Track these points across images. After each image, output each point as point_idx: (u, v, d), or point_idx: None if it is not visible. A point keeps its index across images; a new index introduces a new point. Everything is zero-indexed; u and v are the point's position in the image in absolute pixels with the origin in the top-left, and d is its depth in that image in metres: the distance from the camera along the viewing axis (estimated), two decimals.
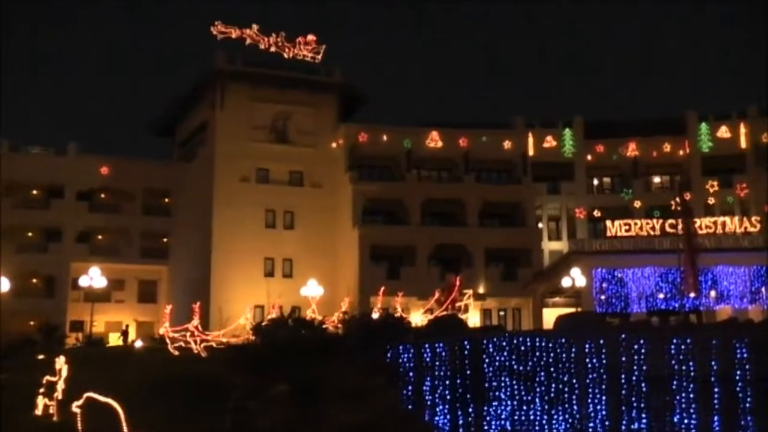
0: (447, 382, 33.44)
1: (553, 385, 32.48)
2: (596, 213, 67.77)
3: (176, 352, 39.85)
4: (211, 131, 66.51)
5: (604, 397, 31.65)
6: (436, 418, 33.22)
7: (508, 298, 63.84)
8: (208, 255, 62.90)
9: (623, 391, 31.40)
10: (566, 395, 32.24)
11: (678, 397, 30.66)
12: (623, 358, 31.60)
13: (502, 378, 33.01)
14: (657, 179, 70.43)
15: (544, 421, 32.40)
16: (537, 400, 32.66)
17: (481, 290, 60.96)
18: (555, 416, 32.27)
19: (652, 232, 58.20)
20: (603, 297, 56.92)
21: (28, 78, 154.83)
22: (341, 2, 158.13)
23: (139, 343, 47.72)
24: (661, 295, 56.50)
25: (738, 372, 30.24)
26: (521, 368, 32.96)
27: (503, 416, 32.79)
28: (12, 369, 33.86)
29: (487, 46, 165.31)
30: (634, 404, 31.18)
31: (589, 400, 31.81)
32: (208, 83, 66.62)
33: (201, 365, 36.56)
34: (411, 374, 34.00)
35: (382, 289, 51.23)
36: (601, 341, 32.12)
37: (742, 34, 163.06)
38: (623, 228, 58.86)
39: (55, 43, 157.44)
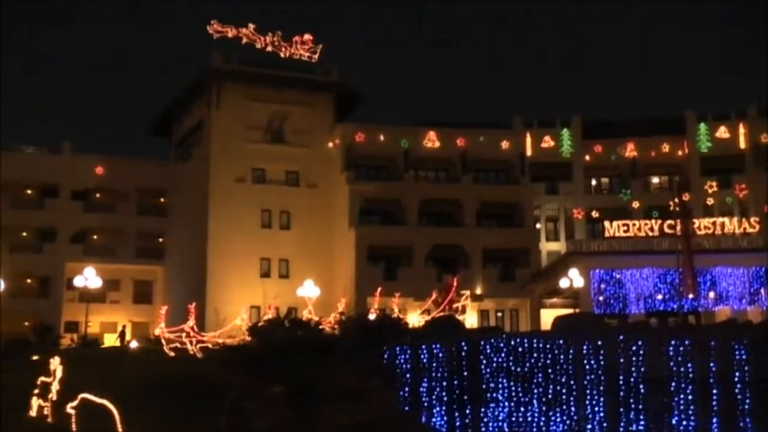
0: (444, 384, 33.23)
1: (551, 387, 32.28)
2: (594, 213, 67.64)
3: (172, 353, 39.62)
4: (207, 131, 66.27)
5: (602, 399, 31.45)
6: (433, 419, 33.01)
7: (506, 299, 63.66)
8: (204, 255, 62.68)
9: (621, 393, 31.18)
10: (564, 397, 32.05)
11: (676, 399, 30.46)
12: (621, 360, 31.40)
13: (500, 379, 32.81)
14: (656, 180, 70.32)
15: (541, 423, 32.20)
16: (535, 401, 32.46)
17: (478, 291, 60.77)
18: (553, 418, 32.07)
19: (650, 233, 58.04)
20: (601, 298, 56.74)
21: (27, 78, 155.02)
22: (341, 2, 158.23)
23: (134, 344, 47.49)
24: (660, 296, 56.31)
25: (737, 373, 30.05)
26: (519, 369, 32.76)
27: (501, 418, 32.60)
28: (6, 370, 33.67)
29: (487, 46, 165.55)
30: (633, 406, 30.97)
31: (587, 402, 31.60)
32: (205, 83, 66.42)
33: (197, 366, 36.36)
34: (408, 375, 33.78)
35: (379, 289, 50.99)
36: (599, 342, 31.93)
37: (742, 34, 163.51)
38: (621, 228, 58.70)
39: (55, 43, 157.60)
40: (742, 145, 67.60)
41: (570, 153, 69.35)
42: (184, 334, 40.86)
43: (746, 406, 29.76)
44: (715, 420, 29.87)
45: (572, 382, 31.93)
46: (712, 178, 66.94)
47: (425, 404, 33.29)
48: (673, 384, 30.52)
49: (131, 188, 69.78)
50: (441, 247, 63.65)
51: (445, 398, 33.11)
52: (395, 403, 33.11)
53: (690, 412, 30.16)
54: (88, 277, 48.71)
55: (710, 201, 66.19)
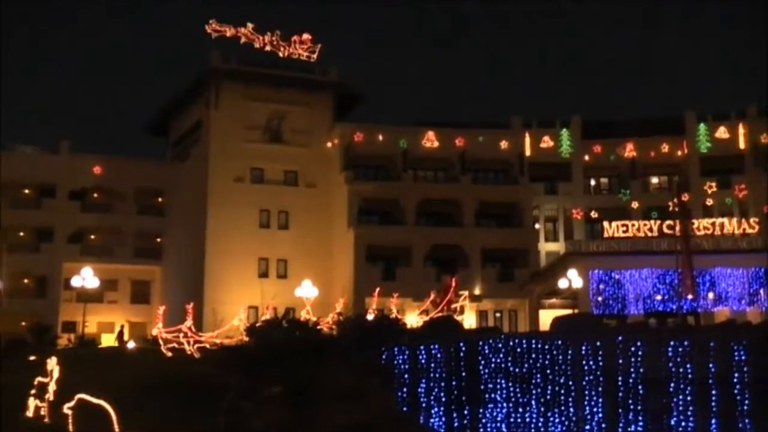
0: (442, 384, 33.10)
1: (550, 387, 32.16)
2: (593, 214, 67.55)
3: (169, 353, 39.49)
4: (205, 130, 66.19)
5: (600, 400, 31.33)
6: (432, 420, 32.89)
7: (505, 300, 63.59)
8: (202, 255, 62.59)
9: (620, 394, 31.07)
10: (563, 397, 31.93)
11: (675, 400, 30.35)
12: (620, 360, 31.28)
13: (498, 380, 32.68)
14: (655, 180, 70.27)
15: (540, 424, 32.08)
16: (533, 402, 32.35)
17: (477, 291, 60.66)
18: (551, 418, 31.95)
19: (649, 233, 57.97)
20: (600, 298, 56.67)
21: (27, 78, 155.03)
22: (341, 2, 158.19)
23: (131, 344, 47.37)
24: (659, 297, 56.24)
25: (736, 374, 29.95)
26: (517, 370, 32.63)
27: (499, 418, 32.47)
28: (3, 370, 33.54)
29: (487, 46, 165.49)
30: (631, 406, 30.86)
31: (586, 403, 31.48)
32: (203, 82, 66.34)
33: (194, 366, 36.22)
34: (406, 376, 33.66)
35: (377, 290, 50.92)
36: (598, 343, 31.81)
37: (742, 34, 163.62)
38: (620, 229, 58.62)
39: (55, 43, 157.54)
40: (742, 145, 67.50)
41: (569, 153, 69.26)
42: (181, 335, 40.75)
43: (745, 407, 29.66)
44: (714, 421, 29.76)
45: (571, 383, 31.81)
46: (711, 179, 66.84)
47: (423, 405, 33.17)
48: (672, 385, 30.41)
49: (129, 188, 69.68)
50: (440, 248, 63.56)
51: (444, 399, 32.99)
52: (393, 403, 32.99)
53: (689, 413, 30.06)
54: (86, 277, 48.55)
55: (710, 201, 66.09)
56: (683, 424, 30.03)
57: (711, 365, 30.25)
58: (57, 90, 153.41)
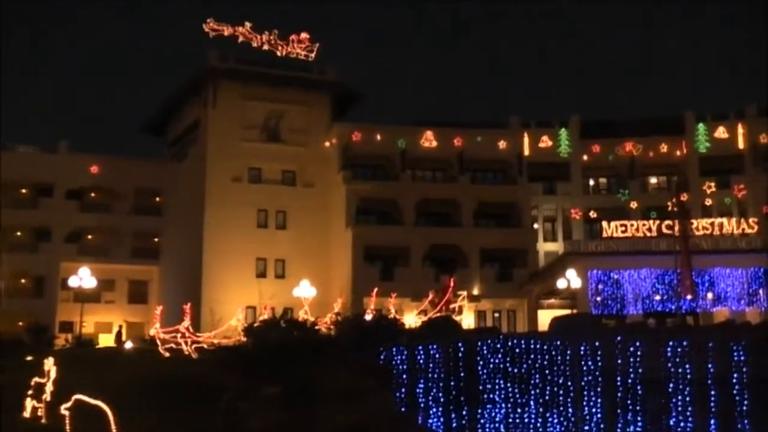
0: (441, 385, 33.03)
1: (548, 388, 32.10)
2: (592, 214, 67.42)
3: (167, 354, 39.39)
4: (203, 130, 66.04)
5: (599, 400, 31.26)
6: (430, 420, 32.81)
7: (503, 300, 63.52)
8: (200, 255, 62.44)
9: (619, 394, 31.01)
10: (561, 398, 31.86)
11: (674, 400, 30.29)
12: (619, 361, 31.21)
13: (497, 380, 32.61)
14: (654, 180, 70.18)
15: (538, 424, 32.02)
16: (532, 402, 32.26)
17: (475, 291, 60.56)
18: (550, 419, 31.89)
19: (648, 234, 57.94)
20: (599, 299, 56.65)
21: (27, 78, 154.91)
22: (341, 2, 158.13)
23: (129, 345, 47.26)
24: (658, 297, 56.21)
25: (735, 374, 29.88)
26: (516, 370, 32.56)
27: (497, 419, 32.40)
28: (1, 370, 33.42)
29: (487, 46, 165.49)
30: (630, 407, 30.79)
31: (585, 403, 31.41)
32: (201, 81, 66.14)
33: (192, 367, 36.16)
34: (404, 376, 33.58)
35: (376, 290, 50.91)
36: (597, 343, 31.74)
37: (742, 34, 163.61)
38: (619, 229, 58.59)
39: (55, 43, 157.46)
40: (741, 145, 67.40)
41: (568, 153, 69.14)
42: (179, 335, 40.62)
43: (744, 408, 29.59)
44: (713, 421, 29.70)
45: (569, 384, 31.74)
46: (710, 179, 66.72)
47: (422, 405, 33.09)
48: (671, 385, 30.35)
49: (127, 188, 69.52)
50: (438, 247, 63.47)
51: (442, 399, 32.92)
52: (391, 404, 32.91)
53: (688, 413, 29.99)
54: (83, 277, 48.48)
55: (709, 201, 66.01)
56: (682, 424, 29.97)
57: (710, 365, 30.18)
58: (57, 90, 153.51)
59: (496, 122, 70.29)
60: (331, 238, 64.62)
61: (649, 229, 58.06)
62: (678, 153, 68.51)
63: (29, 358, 36.24)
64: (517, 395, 32.40)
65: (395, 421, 31.43)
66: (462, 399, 32.72)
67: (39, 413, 29.21)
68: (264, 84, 65.66)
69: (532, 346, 32.68)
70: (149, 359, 38.20)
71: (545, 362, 32.27)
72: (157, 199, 71.45)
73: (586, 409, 31.34)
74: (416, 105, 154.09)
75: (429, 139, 66.85)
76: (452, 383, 32.94)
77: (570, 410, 31.62)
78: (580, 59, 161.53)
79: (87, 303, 53.78)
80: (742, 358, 29.95)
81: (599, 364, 31.42)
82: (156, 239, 70.44)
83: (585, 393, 31.46)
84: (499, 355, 32.85)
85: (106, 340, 58.58)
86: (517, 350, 32.78)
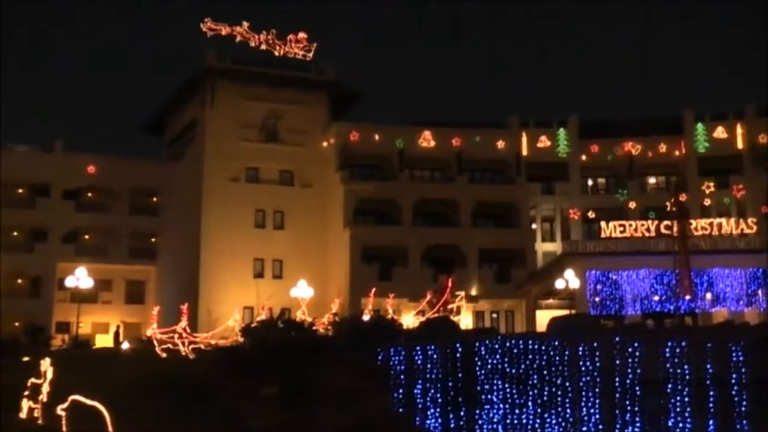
0: (439, 385, 32.98)
1: (546, 389, 32.02)
2: (591, 214, 67.25)
3: (164, 354, 39.28)
4: (200, 130, 65.93)
5: (597, 401, 31.18)
6: (428, 421, 32.76)
7: (501, 300, 63.40)
8: (197, 255, 62.29)
9: (617, 395, 30.92)
10: (559, 398, 31.78)
11: (673, 401, 30.20)
12: (617, 361, 31.12)
13: (495, 381, 32.54)
14: (652, 180, 70.07)
15: (537, 425, 31.95)
16: (530, 403, 32.19)
17: (473, 292, 60.44)
18: (548, 420, 31.81)
19: (647, 234, 57.86)
20: (597, 299, 56.57)
21: (27, 78, 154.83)
22: (341, 2, 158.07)
23: (126, 345, 47.14)
24: (656, 298, 56.13)
25: (734, 375, 29.77)
26: (514, 371, 32.49)
27: (495, 420, 32.34)
28: None
29: (487, 46, 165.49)
30: (628, 407, 30.70)
31: (583, 404, 31.33)
32: (199, 81, 66.04)
33: (189, 367, 36.09)
34: (402, 377, 33.52)
35: (373, 290, 50.78)
36: (595, 344, 31.65)
37: (742, 34, 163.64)
38: (618, 229, 58.51)
39: (55, 43, 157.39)
40: (740, 145, 67.32)
41: (566, 153, 69.02)
42: (176, 335, 40.55)
43: (743, 408, 29.48)
44: (711, 422, 29.59)
45: (568, 384, 31.66)
46: (709, 179, 66.60)
47: (419, 406, 33.05)
48: (670, 386, 30.26)
49: (124, 187, 69.23)
50: (436, 248, 63.35)
51: (440, 400, 32.87)
52: (389, 404, 32.88)
53: (686, 414, 29.90)
54: (80, 277, 48.43)
55: (707, 201, 65.89)
56: (681, 425, 29.88)
57: (709, 366, 30.09)
58: (56, 90, 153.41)
59: (495, 122, 70.19)
60: (328, 238, 64.50)
61: (648, 230, 57.97)
62: (677, 153, 68.39)
63: (26, 358, 36.11)
64: (515, 396, 32.33)
65: (393, 421, 31.41)
66: (460, 399, 32.67)
67: (35, 414, 29.20)
68: (262, 84, 65.54)
69: (531, 347, 32.60)
70: (146, 360, 38.10)
71: (543, 363, 32.19)
72: (155, 199, 71.23)
73: (584, 409, 31.25)
74: (416, 105, 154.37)
75: (427, 139, 66.73)
76: (450, 384, 32.90)
77: (568, 411, 31.54)
78: (580, 59, 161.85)
79: (84, 303, 53.66)
80: (741, 358, 29.84)
81: (597, 364, 31.34)
82: (153, 239, 70.25)
83: (583, 394, 31.37)
84: (497, 356, 32.78)
85: (102, 341, 58.45)
86: (515, 351, 32.70)
